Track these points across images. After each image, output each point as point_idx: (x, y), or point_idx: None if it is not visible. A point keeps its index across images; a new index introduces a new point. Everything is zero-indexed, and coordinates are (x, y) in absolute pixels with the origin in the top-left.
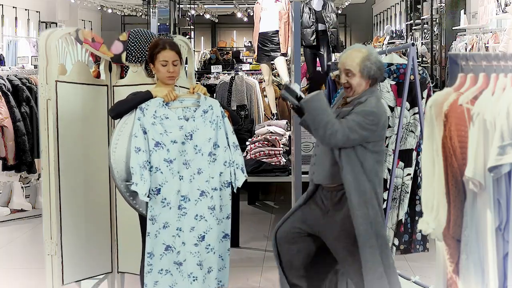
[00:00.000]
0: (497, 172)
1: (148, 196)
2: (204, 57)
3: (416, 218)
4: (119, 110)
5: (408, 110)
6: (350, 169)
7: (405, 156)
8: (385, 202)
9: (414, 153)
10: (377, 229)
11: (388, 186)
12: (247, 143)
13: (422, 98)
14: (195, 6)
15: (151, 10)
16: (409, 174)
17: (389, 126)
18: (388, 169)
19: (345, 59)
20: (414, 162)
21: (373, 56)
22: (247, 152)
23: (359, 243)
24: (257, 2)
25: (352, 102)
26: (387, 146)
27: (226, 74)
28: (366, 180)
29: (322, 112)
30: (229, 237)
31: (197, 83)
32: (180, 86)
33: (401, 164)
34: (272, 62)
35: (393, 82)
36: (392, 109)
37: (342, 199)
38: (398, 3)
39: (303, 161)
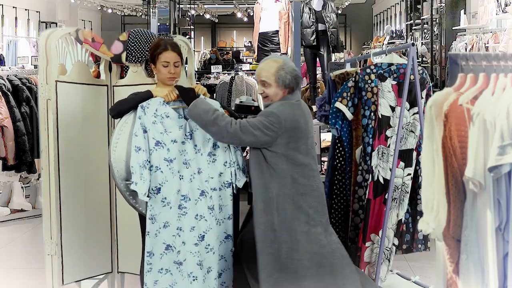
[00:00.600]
0: (497, 172)
1: (148, 196)
2: (204, 57)
3: (418, 217)
4: (119, 110)
5: (408, 110)
6: (258, 174)
7: (406, 156)
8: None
9: (414, 153)
10: (282, 237)
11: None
12: None
13: (421, 98)
14: (195, 6)
15: (151, 10)
16: (409, 174)
17: (391, 126)
18: (390, 169)
19: (261, 70)
20: (414, 162)
21: (288, 65)
22: (247, 152)
23: (257, 248)
24: (257, 2)
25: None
26: (388, 146)
27: (226, 74)
28: (275, 187)
29: (204, 113)
30: (232, 238)
31: (197, 83)
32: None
33: (402, 164)
34: None
35: (394, 82)
36: (393, 109)
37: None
38: (398, 3)
39: None
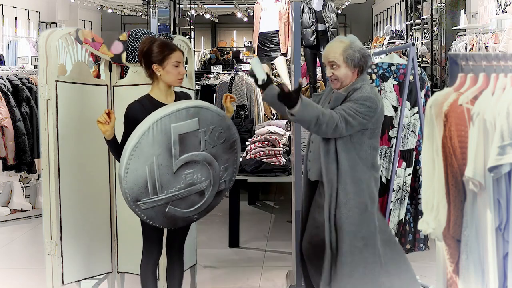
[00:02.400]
0: (497, 172)
1: None
2: (204, 57)
3: (419, 217)
4: (116, 157)
5: (409, 110)
6: (346, 157)
7: (407, 156)
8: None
9: (414, 153)
10: (373, 218)
11: (389, 187)
12: (247, 143)
13: (421, 98)
14: (195, 6)
15: (151, 10)
16: (410, 174)
17: (394, 127)
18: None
19: (328, 52)
20: (414, 162)
21: (356, 44)
22: (247, 152)
23: (350, 232)
24: (257, 2)
25: (346, 89)
26: (391, 147)
27: (226, 74)
28: (362, 170)
29: (309, 109)
30: None
31: (196, 83)
32: (180, 86)
33: (404, 164)
34: (272, 62)
35: (396, 82)
36: (395, 109)
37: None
38: (398, 3)
39: (303, 161)
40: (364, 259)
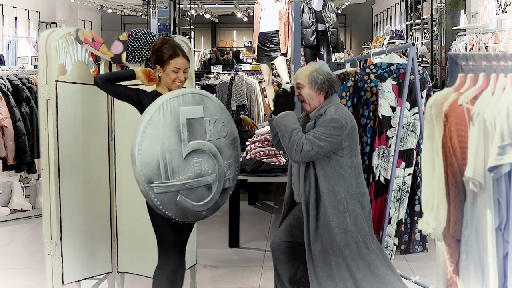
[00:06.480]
0: (497, 172)
1: None
2: (204, 57)
3: (415, 218)
4: (106, 77)
5: (409, 110)
6: (325, 180)
7: (407, 156)
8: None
9: (414, 153)
10: (356, 237)
11: (389, 187)
12: (247, 143)
13: (422, 98)
14: (195, 6)
15: (151, 10)
16: (409, 174)
17: (391, 127)
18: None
19: (297, 74)
20: (414, 162)
21: (323, 69)
22: (247, 152)
23: (330, 251)
24: (257, 2)
25: (313, 116)
26: (389, 147)
27: (226, 74)
28: (343, 189)
29: (291, 118)
30: None
31: (196, 84)
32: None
33: (403, 164)
34: (272, 62)
35: (395, 82)
36: (394, 109)
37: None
38: (398, 3)
39: None
40: (343, 278)
